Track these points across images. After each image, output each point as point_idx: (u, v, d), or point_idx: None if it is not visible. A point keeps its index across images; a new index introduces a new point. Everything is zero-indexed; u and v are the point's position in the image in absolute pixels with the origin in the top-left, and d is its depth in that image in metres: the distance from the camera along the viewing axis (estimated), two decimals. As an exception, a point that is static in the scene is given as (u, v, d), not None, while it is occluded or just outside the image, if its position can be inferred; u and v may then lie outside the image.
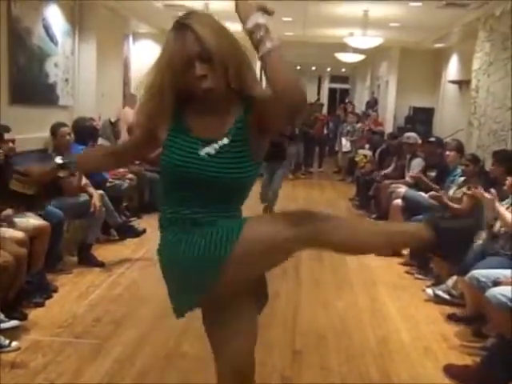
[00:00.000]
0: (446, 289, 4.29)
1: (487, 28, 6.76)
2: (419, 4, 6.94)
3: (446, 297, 4.25)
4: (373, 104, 13.12)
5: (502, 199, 3.97)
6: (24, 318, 3.53)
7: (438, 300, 4.28)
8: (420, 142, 6.78)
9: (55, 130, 4.98)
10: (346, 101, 17.60)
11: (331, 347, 3.48)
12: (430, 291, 4.38)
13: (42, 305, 3.83)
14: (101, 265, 4.83)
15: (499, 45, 6.33)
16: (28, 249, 3.72)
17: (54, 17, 6.70)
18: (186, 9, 6.69)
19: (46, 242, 4.08)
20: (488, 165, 5.08)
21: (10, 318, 3.41)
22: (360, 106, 14.79)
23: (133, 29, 9.87)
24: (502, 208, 3.70)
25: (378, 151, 8.49)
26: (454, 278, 4.22)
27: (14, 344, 3.17)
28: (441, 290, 4.31)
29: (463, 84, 8.87)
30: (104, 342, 3.35)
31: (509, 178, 4.01)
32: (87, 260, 4.85)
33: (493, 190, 3.80)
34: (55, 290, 4.12)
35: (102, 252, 5.18)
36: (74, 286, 4.32)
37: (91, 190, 4.94)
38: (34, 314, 3.66)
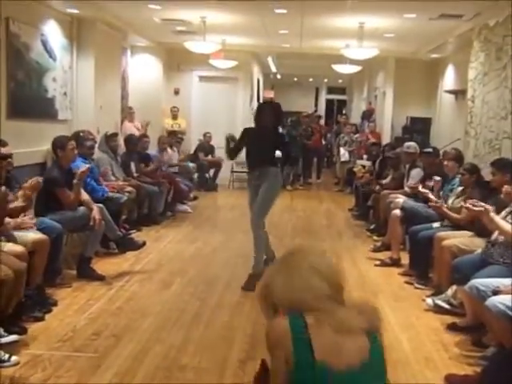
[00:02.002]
0: (445, 298, 4.29)
1: (481, 38, 6.82)
2: (413, 15, 6.99)
3: (446, 306, 4.25)
4: (368, 115, 13.16)
5: (501, 208, 3.98)
6: (23, 332, 3.52)
7: (437, 309, 4.28)
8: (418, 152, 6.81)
9: (63, 143, 4.91)
10: (344, 112, 17.70)
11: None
12: (429, 301, 4.38)
13: (41, 319, 3.82)
14: (100, 278, 4.83)
15: (493, 55, 6.39)
16: (27, 263, 3.72)
17: (52, 32, 6.76)
18: (184, 23, 6.77)
19: (45, 255, 4.07)
20: (484, 174, 5.10)
21: (10, 332, 3.40)
22: (358, 116, 14.83)
23: (131, 43, 9.94)
24: (498, 219, 3.71)
25: (378, 161, 8.52)
26: (454, 287, 4.22)
27: (14, 359, 3.16)
28: (441, 299, 4.31)
29: (459, 94, 8.92)
30: (104, 356, 3.34)
31: (506, 186, 4.02)
32: (86, 273, 4.85)
33: (483, 204, 3.79)
34: (54, 304, 4.11)
35: (102, 265, 5.18)
36: (73, 300, 4.31)
37: (90, 203, 4.94)
38: (33, 328, 3.65)
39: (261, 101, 14.72)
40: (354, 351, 1.64)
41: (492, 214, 3.68)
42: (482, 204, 3.69)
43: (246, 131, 5.28)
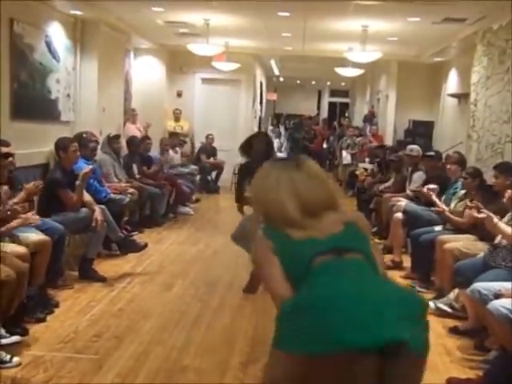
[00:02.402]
0: (447, 302, 4.28)
1: (485, 42, 6.82)
2: (417, 19, 6.99)
3: (448, 310, 4.25)
4: (370, 118, 13.17)
5: (504, 211, 3.98)
6: (25, 333, 3.52)
7: (439, 313, 4.27)
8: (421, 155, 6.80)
9: (65, 144, 4.92)
10: (346, 115, 17.70)
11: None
12: (431, 304, 4.36)
13: (43, 320, 3.82)
14: (102, 279, 4.83)
15: (496, 59, 6.38)
16: (29, 264, 3.72)
17: (56, 33, 6.78)
18: (187, 25, 6.77)
19: (47, 256, 4.08)
20: (487, 177, 5.10)
21: (11, 333, 3.40)
22: (360, 119, 14.84)
23: (134, 45, 9.96)
24: (502, 225, 3.70)
25: (376, 164, 8.53)
26: (456, 291, 4.21)
27: (15, 360, 3.16)
28: (442, 302, 4.30)
29: (462, 97, 8.90)
30: (105, 357, 3.34)
31: (508, 192, 4.02)
32: (88, 275, 4.85)
33: (487, 212, 3.78)
34: (56, 305, 4.12)
35: (104, 267, 5.18)
36: (75, 301, 4.31)
37: (93, 204, 4.95)
38: (35, 329, 3.66)
39: (264, 103, 14.76)
40: (329, 226, 1.80)
41: (495, 220, 3.68)
42: (486, 211, 3.70)
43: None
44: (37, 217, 4.06)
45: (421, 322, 1.68)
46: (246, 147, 4.84)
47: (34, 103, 6.26)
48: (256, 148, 4.74)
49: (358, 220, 1.91)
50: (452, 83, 9.96)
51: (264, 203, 1.87)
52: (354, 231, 1.83)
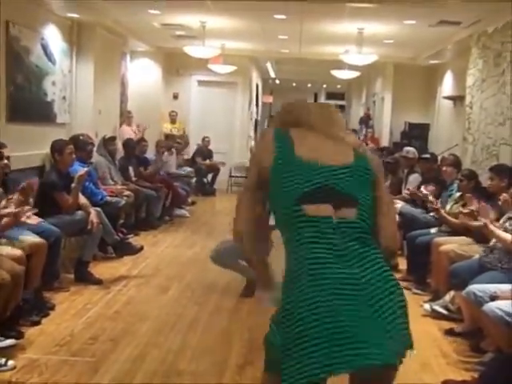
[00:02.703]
0: (443, 304, 4.29)
1: (480, 45, 6.85)
2: (412, 22, 7.02)
3: (444, 312, 4.25)
4: (366, 120, 13.19)
5: (500, 214, 3.99)
6: (20, 336, 3.51)
7: (435, 315, 4.28)
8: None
9: (61, 147, 4.92)
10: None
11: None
12: (427, 306, 4.38)
13: (38, 323, 3.80)
14: (98, 282, 4.82)
15: (491, 61, 6.41)
16: (25, 266, 3.71)
17: (52, 36, 6.77)
18: (183, 28, 6.78)
19: (42, 259, 4.06)
20: (482, 180, 5.12)
21: (6, 336, 3.39)
22: (356, 122, 14.88)
23: (130, 47, 9.96)
24: (498, 231, 3.72)
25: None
26: (452, 293, 4.22)
27: (10, 363, 3.14)
28: (438, 305, 4.31)
29: (458, 100, 8.94)
30: (101, 360, 3.33)
31: (503, 195, 4.03)
32: (84, 277, 4.83)
33: (483, 220, 3.80)
34: (52, 308, 4.10)
35: (99, 269, 5.17)
36: (70, 304, 4.30)
37: (88, 207, 4.94)
38: (30, 332, 3.64)
39: (260, 106, 14.77)
40: (337, 154, 1.73)
41: (491, 226, 3.69)
42: (482, 218, 3.72)
43: None
44: (30, 213, 4.04)
45: (400, 325, 1.70)
46: None
47: (30, 106, 6.25)
48: None
49: (369, 157, 1.79)
50: (447, 86, 10.00)
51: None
52: (362, 167, 1.72)
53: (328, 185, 1.66)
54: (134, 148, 7.58)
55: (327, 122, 1.81)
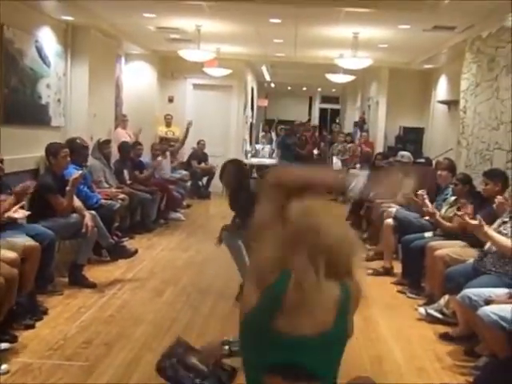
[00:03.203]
0: (438, 308, 4.30)
1: (474, 50, 6.88)
2: (407, 26, 7.05)
3: (439, 316, 4.26)
4: (361, 124, 13.23)
5: (495, 217, 4.00)
6: (14, 340, 3.49)
7: (430, 319, 4.28)
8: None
9: (56, 150, 4.91)
10: (337, 121, 17.77)
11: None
12: (422, 310, 4.38)
13: (32, 327, 3.79)
14: (92, 286, 4.80)
15: (485, 66, 6.44)
16: (18, 270, 3.69)
17: (47, 38, 6.75)
18: (178, 31, 6.77)
19: (36, 262, 4.04)
20: (475, 184, 5.13)
21: (0, 340, 3.37)
22: (351, 126, 14.91)
23: (125, 50, 9.95)
24: (493, 233, 3.73)
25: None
26: (446, 297, 4.23)
27: (4, 367, 3.13)
28: (433, 308, 4.32)
29: (452, 104, 8.97)
30: (95, 365, 3.31)
31: (498, 197, 4.05)
32: (78, 281, 4.82)
33: (478, 217, 3.81)
34: (46, 312, 4.08)
35: (94, 273, 5.15)
36: (64, 308, 4.28)
37: (83, 210, 4.92)
38: (24, 336, 3.63)
39: (255, 109, 14.77)
40: (317, 316, 1.65)
41: (486, 229, 3.71)
42: (476, 221, 3.73)
43: None
44: (16, 207, 4.02)
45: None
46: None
47: (24, 108, 6.23)
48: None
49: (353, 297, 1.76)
50: (442, 90, 10.04)
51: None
52: (340, 328, 1.71)
53: (295, 363, 1.64)
54: (129, 151, 7.57)
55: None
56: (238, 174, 4.73)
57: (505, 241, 3.67)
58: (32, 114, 6.47)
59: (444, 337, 3.97)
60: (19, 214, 4.07)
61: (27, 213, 4.25)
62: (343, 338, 1.73)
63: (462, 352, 3.70)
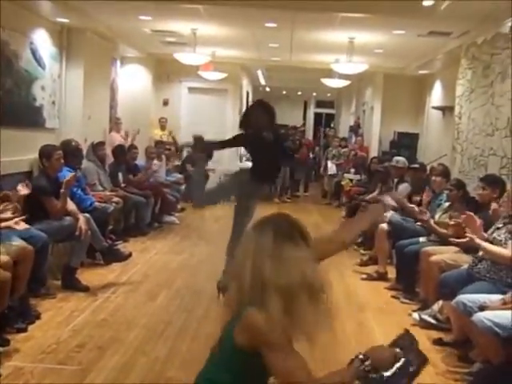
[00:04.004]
0: (432, 313, 4.30)
1: (469, 56, 6.91)
2: (402, 32, 7.08)
3: (432, 321, 4.26)
4: (356, 129, 13.27)
5: (489, 223, 4.01)
6: (6, 343, 3.46)
7: (424, 324, 4.28)
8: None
9: (50, 152, 4.88)
10: (332, 125, 17.80)
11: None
12: (416, 315, 4.38)
13: (24, 330, 3.76)
14: (85, 289, 4.77)
15: (480, 72, 6.47)
16: (11, 273, 3.66)
17: (42, 41, 6.74)
18: (174, 34, 6.75)
19: (29, 266, 4.01)
20: (469, 189, 5.15)
21: (-8, 343, 3.35)
22: (345, 130, 14.95)
23: (120, 53, 9.94)
24: (485, 244, 3.73)
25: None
26: (440, 302, 4.23)
27: (-4, 371, 3.11)
28: (427, 314, 4.32)
29: (447, 110, 9.01)
30: (88, 369, 3.29)
31: (493, 204, 4.06)
32: (71, 284, 4.79)
33: (470, 235, 3.82)
34: (38, 315, 4.05)
35: (87, 276, 5.12)
36: (57, 311, 4.25)
37: (77, 213, 4.90)
38: (16, 339, 3.60)
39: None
40: None
41: (478, 241, 3.71)
42: (469, 234, 3.74)
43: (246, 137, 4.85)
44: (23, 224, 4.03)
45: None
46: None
47: (18, 110, 6.20)
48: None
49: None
50: (436, 96, 10.08)
51: None
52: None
53: None
54: (124, 154, 7.54)
55: None
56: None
57: (498, 250, 3.67)
58: (26, 115, 6.45)
59: (438, 342, 3.97)
60: (20, 226, 4.05)
61: (27, 226, 4.22)
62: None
63: (456, 358, 3.70)
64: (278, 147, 4.63)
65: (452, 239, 4.20)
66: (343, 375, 1.82)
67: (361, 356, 1.78)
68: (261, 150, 4.62)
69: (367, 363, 1.78)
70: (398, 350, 1.95)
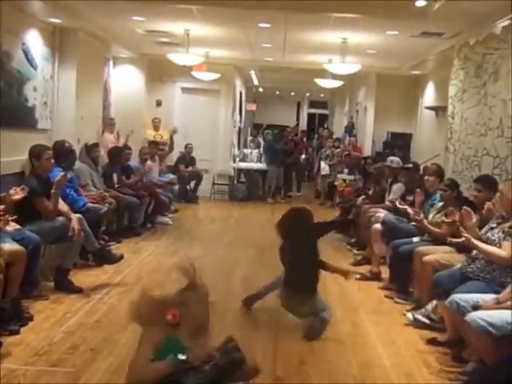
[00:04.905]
0: (425, 313, 4.30)
1: (461, 56, 6.93)
2: (395, 32, 7.09)
3: (426, 321, 4.26)
4: (350, 129, 13.30)
5: (483, 223, 4.02)
6: (-2, 346, 3.43)
7: (417, 324, 4.28)
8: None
9: (39, 152, 4.85)
10: (325, 126, 17.82)
11: (313, 373, 3.46)
12: (409, 315, 4.38)
13: (16, 332, 3.73)
14: (78, 290, 4.75)
15: (473, 73, 6.49)
16: (3, 275, 3.64)
17: (34, 41, 6.70)
18: (167, 35, 6.75)
19: (21, 267, 3.99)
20: (462, 189, 5.16)
21: (-16, 346, 3.32)
22: (339, 131, 14.96)
23: (113, 53, 9.90)
24: (481, 244, 3.74)
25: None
26: (434, 302, 4.24)
27: (-12, 373, 3.08)
28: (420, 314, 4.32)
29: (440, 110, 9.03)
30: (81, 370, 3.27)
31: (488, 203, 4.07)
32: (64, 285, 4.76)
33: (466, 235, 3.82)
34: (31, 317, 4.02)
35: (80, 277, 5.10)
36: (50, 313, 4.22)
37: (70, 213, 4.87)
38: (8, 341, 3.56)
39: (243, 113, 14.76)
40: None
41: (474, 241, 3.72)
42: (465, 234, 3.75)
43: None
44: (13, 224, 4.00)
45: None
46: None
47: (10, 111, 6.16)
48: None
49: None
50: (429, 96, 10.11)
51: None
52: None
53: None
54: (119, 156, 7.52)
55: None
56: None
57: (494, 250, 3.68)
58: (18, 116, 6.41)
59: (432, 342, 3.97)
60: (10, 226, 4.02)
61: (17, 226, 4.20)
62: None
63: (450, 357, 3.71)
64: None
65: (450, 239, 4.19)
66: (162, 365, 2.41)
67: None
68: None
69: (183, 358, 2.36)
70: (215, 353, 2.37)
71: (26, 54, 6.47)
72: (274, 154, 11.72)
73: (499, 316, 3.11)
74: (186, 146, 10.75)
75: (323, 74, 9.73)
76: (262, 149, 13.03)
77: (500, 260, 3.63)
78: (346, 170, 10.89)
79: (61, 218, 4.81)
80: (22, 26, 6.40)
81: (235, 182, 11.93)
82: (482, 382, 2.96)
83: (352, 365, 3.60)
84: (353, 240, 7.34)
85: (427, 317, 4.27)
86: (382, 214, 6.10)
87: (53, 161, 4.94)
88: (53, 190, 4.71)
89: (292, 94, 20.75)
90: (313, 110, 22.55)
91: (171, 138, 10.21)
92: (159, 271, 5.70)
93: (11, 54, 6.09)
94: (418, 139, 10.75)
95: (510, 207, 3.77)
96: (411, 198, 5.96)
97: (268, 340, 3.91)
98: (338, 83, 10.10)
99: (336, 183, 10.46)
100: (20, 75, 6.36)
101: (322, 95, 19.58)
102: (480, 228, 3.95)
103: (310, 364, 3.58)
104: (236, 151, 13.02)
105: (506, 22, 5.39)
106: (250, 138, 15.14)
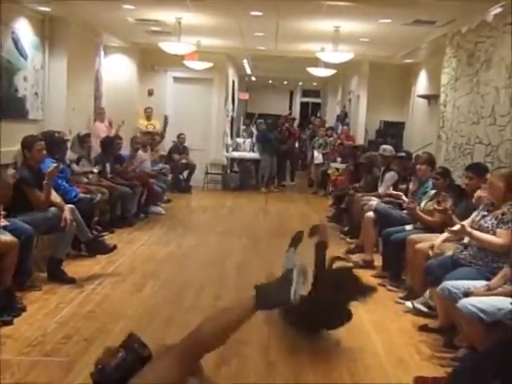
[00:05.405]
0: (423, 301, 4.32)
1: (454, 44, 6.93)
2: (388, 21, 7.07)
3: (425, 309, 4.26)
4: (343, 118, 13.29)
5: (472, 212, 4.04)
6: (-9, 336, 3.44)
7: (416, 313, 4.29)
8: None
9: (30, 143, 4.81)
10: (318, 115, 17.80)
11: (306, 359, 3.48)
12: (409, 304, 4.40)
13: (10, 323, 3.72)
14: (71, 281, 4.74)
15: (465, 61, 6.50)
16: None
17: (24, 30, 6.64)
18: (158, 24, 6.72)
19: (14, 258, 3.98)
20: (453, 177, 5.18)
21: (-23, 337, 3.31)
22: (332, 119, 14.95)
23: (104, 43, 9.83)
24: (476, 232, 3.76)
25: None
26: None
27: (-19, 364, 3.08)
28: (419, 302, 4.33)
29: (432, 98, 9.05)
30: (75, 360, 3.27)
31: (478, 191, 4.09)
32: (57, 276, 4.75)
33: (462, 223, 3.83)
34: (24, 308, 4.01)
35: (73, 267, 5.09)
36: (43, 303, 4.22)
37: (62, 204, 4.85)
38: (1, 332, 3.56)
39: (236, 103, 14.71)
40: None
41: (469, 229, 3.74)
42: (458, 222, 3.77)
43: None
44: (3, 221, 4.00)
45: None
46: None
47: (0, 102, 6.12)
48: None
49: None
50: (422, 84, 10.11)
51: None
52: None
53: None
54: (111, 146, 7.48)
55: None
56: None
57: (488, 238, 3.70)
58: (8, 107, 6.37)
59: (424, 329, 4.00)
60: (2, 223, 4.01)
61: (7, 223, 4.17)
62: None
63: (442, 344, 3.74)
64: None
65: (447, 229, 4.19)
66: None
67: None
68: None
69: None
70: (121, 349, 2.40)
71: (16, 43, 6.42)
72: (267, 143, 11.71)
73: (490, 302, 3.14)
74: (178, 136, 10.72)
75: (316, 62, 9.71)
76: (254, 138, 13.02)
77: (494, 247, 3.66)
78: (338, 159, 10.90)
79: (53, 209, 4.79)
80: (11, 14, 6.34)
81: (228, 171, 11.92)
82: (472, 367, 2.98)
83: (345, 351, 3.63)
84: (346, 228, 7.36)
85: (425, 305, 4.29)
86: (374, 202, 6.12)
87: (45, 152, 4.91)
88: (45, 181, 4.68)
89: (285, 82, 20.69)
90: (306, 99, 22.51)
91: (165, 123, 10.11)
92: (152, 261, 5.70)
93: (0, 43, 6.04)
94: (410, 128, 10.76)
95: (499, 195, 3.79)
96: (404, 187, 5.98)
97: (262, 328, 3.93)
98: (330, 72, 10.08)
99: (329, 172, 10.48)
100: (10, 65, 6.31)
101: (314, 84, 19.54)
102: (468, 215, 3.97)
103: (305, 350, 3.60)
104: (229, 140, 12.99)
105: (498, 10, 5.39)
106: (242, 127, 15.11)
